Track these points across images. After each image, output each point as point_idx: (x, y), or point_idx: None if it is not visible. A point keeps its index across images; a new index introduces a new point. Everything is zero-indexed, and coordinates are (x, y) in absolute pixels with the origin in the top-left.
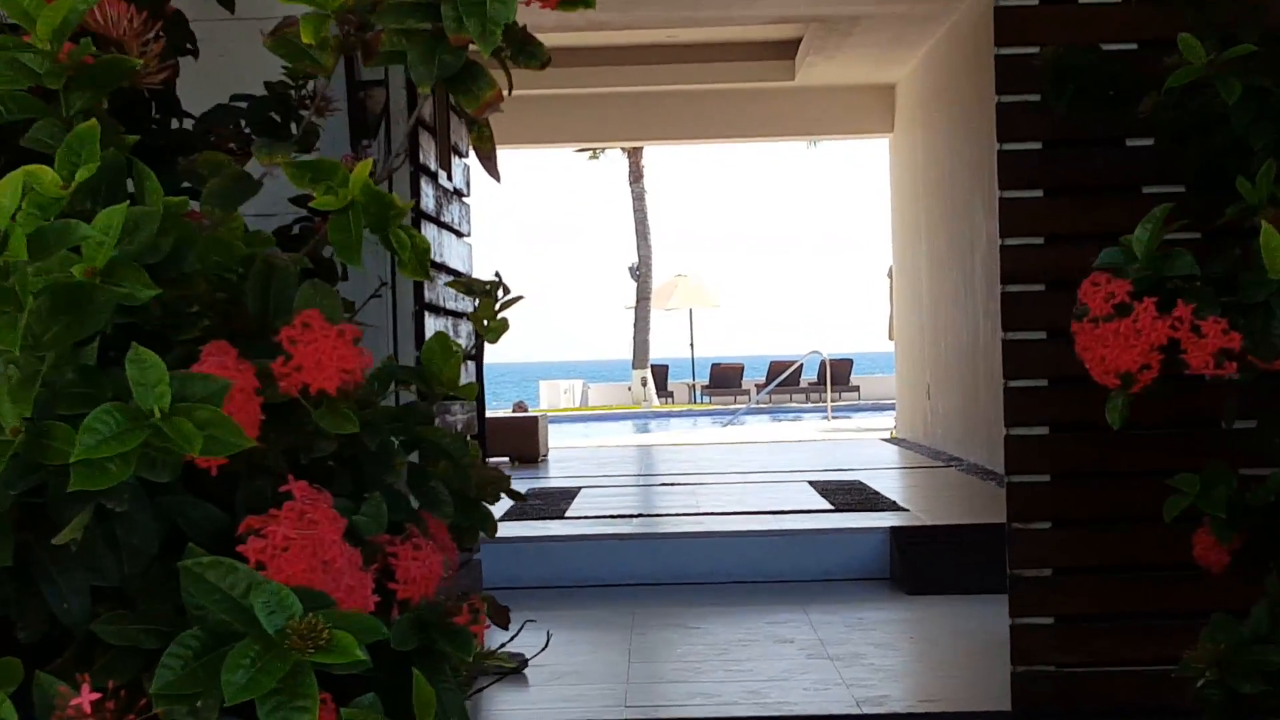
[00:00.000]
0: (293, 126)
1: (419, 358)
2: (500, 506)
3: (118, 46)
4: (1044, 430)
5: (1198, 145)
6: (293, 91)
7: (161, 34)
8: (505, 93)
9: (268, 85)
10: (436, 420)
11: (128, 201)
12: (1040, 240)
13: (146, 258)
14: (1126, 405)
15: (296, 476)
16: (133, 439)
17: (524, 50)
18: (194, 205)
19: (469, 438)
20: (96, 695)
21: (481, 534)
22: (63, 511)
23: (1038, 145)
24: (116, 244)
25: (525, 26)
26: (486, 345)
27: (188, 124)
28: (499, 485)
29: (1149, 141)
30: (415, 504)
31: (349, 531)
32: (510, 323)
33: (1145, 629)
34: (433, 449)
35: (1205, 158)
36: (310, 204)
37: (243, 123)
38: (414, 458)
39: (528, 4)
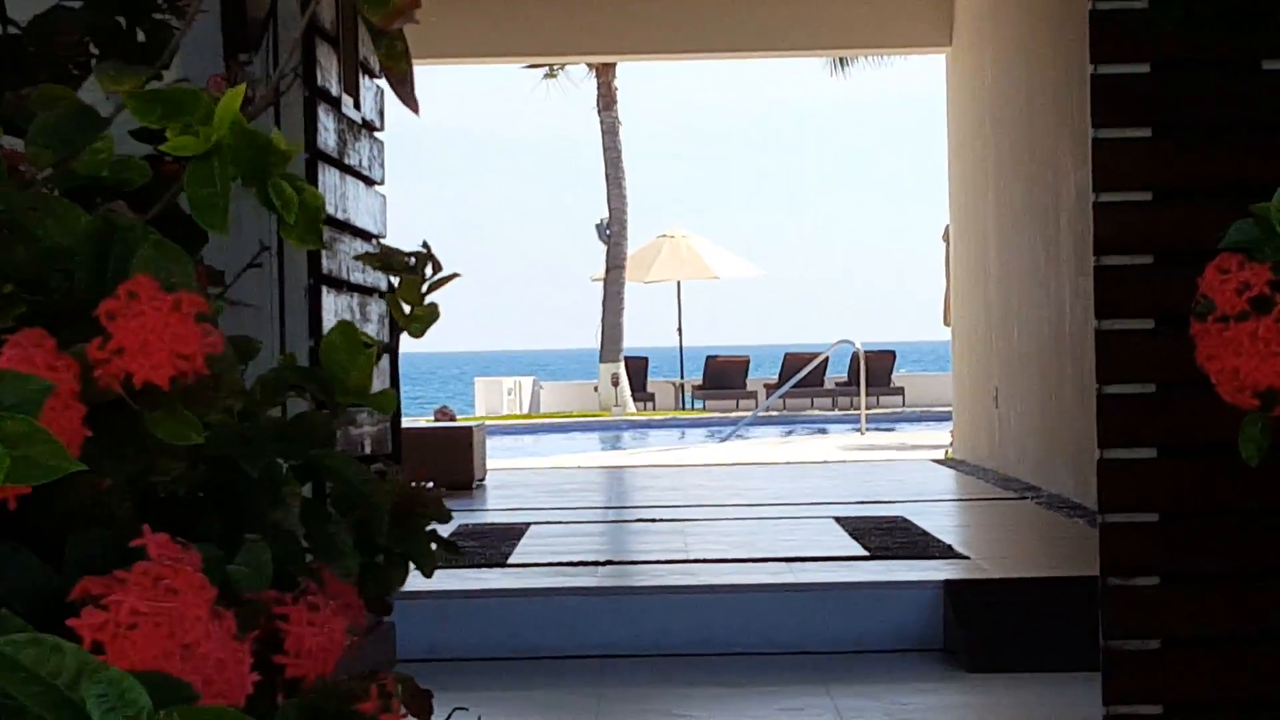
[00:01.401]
0: (141, 36)
1: (313, 349)
2: None
3: None
4: (1151, 453)
5: None
6: None
7: None
8: None
9: None
10: (338, 435)
11: None
12: (1148, 196)
13: None
14: (1266, 433)
15: (152, 514)
16: None
17: None
18: None
19: (379, 457)
20: None
21: (412, 578)
22: None
23: (1145, 67)
24: None
25: None
26: (407, 335)
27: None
28: (431, 506)
29: None
30: (309, 551)
31: (222, 587)
32: (439, 308)
33: None
34: (334, 480)
35: None
36: (163, 146)
37: (79, 35)
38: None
39: None
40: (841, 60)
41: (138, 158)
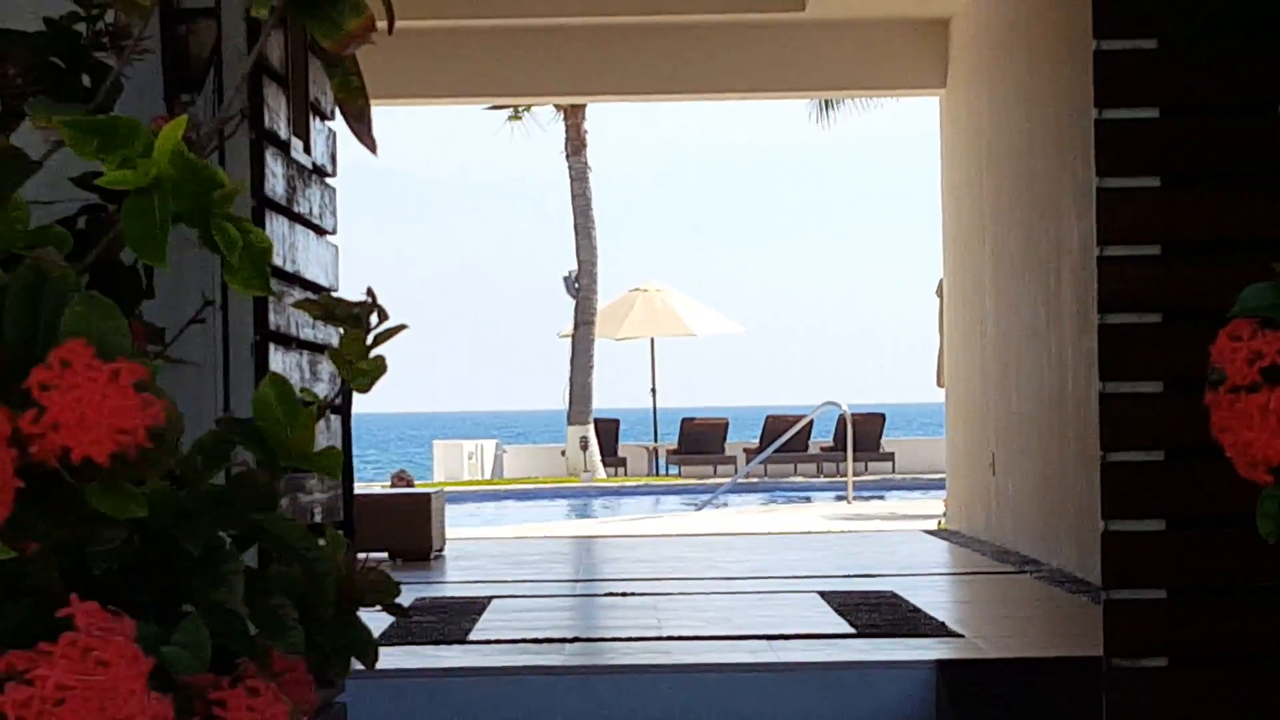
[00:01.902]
0: (85, 78)
1: (253, 408)
2: (374, 621)
3: None
4: (1159, 525)
5: None
6: (85, 25)
7: None
8: (380, 22)
9: (49, 22)
10: (284, 501)
11: None
12: (1156, 249)
13: None
14: None
15: (82, 586)
16: None
17: None
18: None
19: (330, 524)
20: None
21: (354, 663)
22: None
23: (1153, 112)
24: None
25: None
26: (355, 392)
27: None
28: (380, 591)
29: None
30: (252, 628)
31: (157, 668)
32: (389, 363)
33: None
34: (275, 546)
35: None
36: (98, 181)
37: (11, 72)
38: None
39: None
40: (827, 103)
41: (54, 226)
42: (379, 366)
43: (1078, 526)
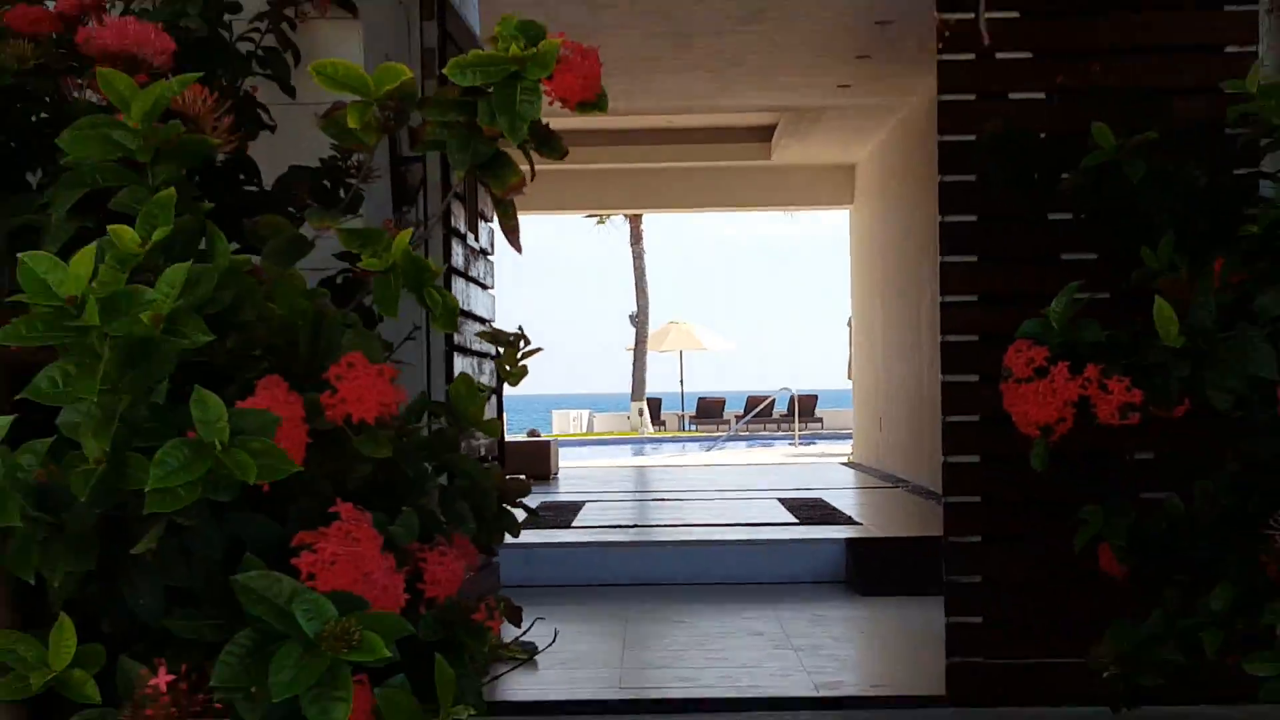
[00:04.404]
0: (341, 193)
1: (449, 393)
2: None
3: (194, 122)
4: (975, 459)
5: (1109, 219)
6: (341, 163)
7: (230, 112)
8: (528, 179)
9: (321, 160)
10: (462, 446)
11: (191, 260)
12: (974, 298)
13: (209, 308)
14: (1046, 452)
15: (341, 499)
16: (198, 468)
17: (546, 143)
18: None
19: (490, 459)
20: (170, 678)
21: (507, 535)
22: (140, 526)
23: (973, 218)
24: (179, 296)
25: (548, 123)
26: (507, 385)
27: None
28: (519, 490)
29: (1068, 216)
30: (443, 519)
31: (385, 540)
32: (529, 368)
33: (1060, 628)
34: (459, 472)
35: (1116, 230)
36: (358, 264)
37: (302, 191)
38: (443, 480)
39: (551, 104)
40: (790, 210)
41: (321, 288)
42: (524, 371)
43: (930, 460)
